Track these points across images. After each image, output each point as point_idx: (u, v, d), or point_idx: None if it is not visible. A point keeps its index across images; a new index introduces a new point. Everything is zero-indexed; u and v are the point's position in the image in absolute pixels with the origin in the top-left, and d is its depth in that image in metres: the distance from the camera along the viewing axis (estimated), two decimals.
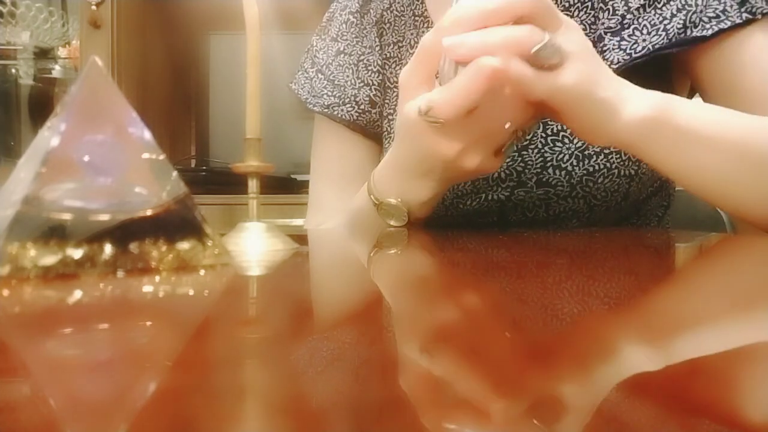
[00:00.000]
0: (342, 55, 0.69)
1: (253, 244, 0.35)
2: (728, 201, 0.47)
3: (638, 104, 0.43)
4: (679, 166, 0.45)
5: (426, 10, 0.65)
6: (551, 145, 0.57)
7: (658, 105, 0.43)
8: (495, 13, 0.40)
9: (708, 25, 0.52)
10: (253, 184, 0.37)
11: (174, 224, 0.26)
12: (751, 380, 0.13)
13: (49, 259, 0.23)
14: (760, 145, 0.44)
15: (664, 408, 0.11)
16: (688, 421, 0.10)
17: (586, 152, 0.56)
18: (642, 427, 0.10)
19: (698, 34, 0.52)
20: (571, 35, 0.42)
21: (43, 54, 1.68)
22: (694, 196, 0.48)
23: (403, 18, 0.67)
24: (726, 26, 0.51)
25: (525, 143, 0.57)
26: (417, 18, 0.66)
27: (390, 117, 0.66)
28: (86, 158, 0.25)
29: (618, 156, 0.55)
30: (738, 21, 0.51)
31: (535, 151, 0.57)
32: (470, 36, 0.40)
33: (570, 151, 0.56)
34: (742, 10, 0.51)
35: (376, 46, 0.68)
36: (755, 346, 0.15)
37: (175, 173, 0.27)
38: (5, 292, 0.21)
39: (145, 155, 0.27)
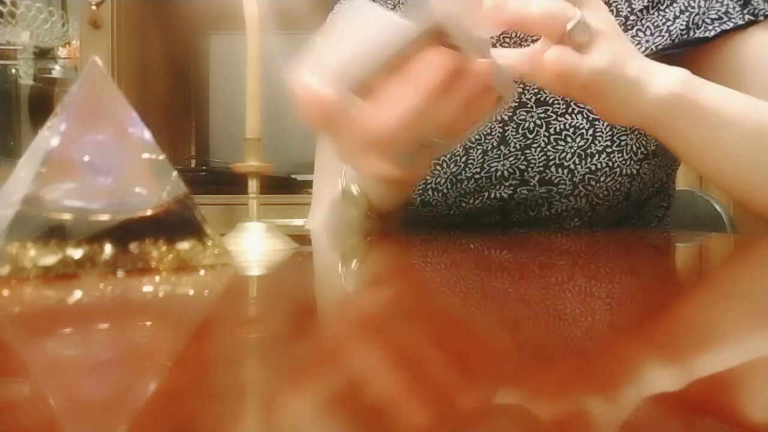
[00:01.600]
0: None
1: (253, 244, 0.35)
2: (739, 184, 0.47)
3: (665, 80, 0.43)
4: (697, 145, 0.45)
5: None
6: (554, 143, 0.57)
7: (683, 81, 0.43)
8: None
9: (710, 27, 0.52)
10: (253, 184, 0.37)
11: (174, 224, 0.26)
12: (754, 382, 0.13)
13: (49, 259, 0.23)
14: None
15: (666, 409, 0.11)
16: (690, 422, 0.10)
17: (589, 151, 0.56)
18: (645, 428, 0.10)
19: (701, 36, 0.52)
20: (599, 13, 0.41)
21: (43, 54, 1.68)
22: (708, 177, 0.48)
23: None
24: (728, 27, 0.51)
25: (528, 142, 0.57)
26: None
27: None
28: (86, 158, 0.25)
29: (620, 155, 0.55)
30: (740, 22, 0.51)
31: (538, 149, 0.57)
32: (512, 2, 0.38)
33: (572, 150, 0.56)
34: (744, 11, 0.51)
35: None
36: (756, 346, 0.15)
37: (175, 173, 0.27)
38: (5, 292, 0.21)
39: (145, 155, 0.27)
